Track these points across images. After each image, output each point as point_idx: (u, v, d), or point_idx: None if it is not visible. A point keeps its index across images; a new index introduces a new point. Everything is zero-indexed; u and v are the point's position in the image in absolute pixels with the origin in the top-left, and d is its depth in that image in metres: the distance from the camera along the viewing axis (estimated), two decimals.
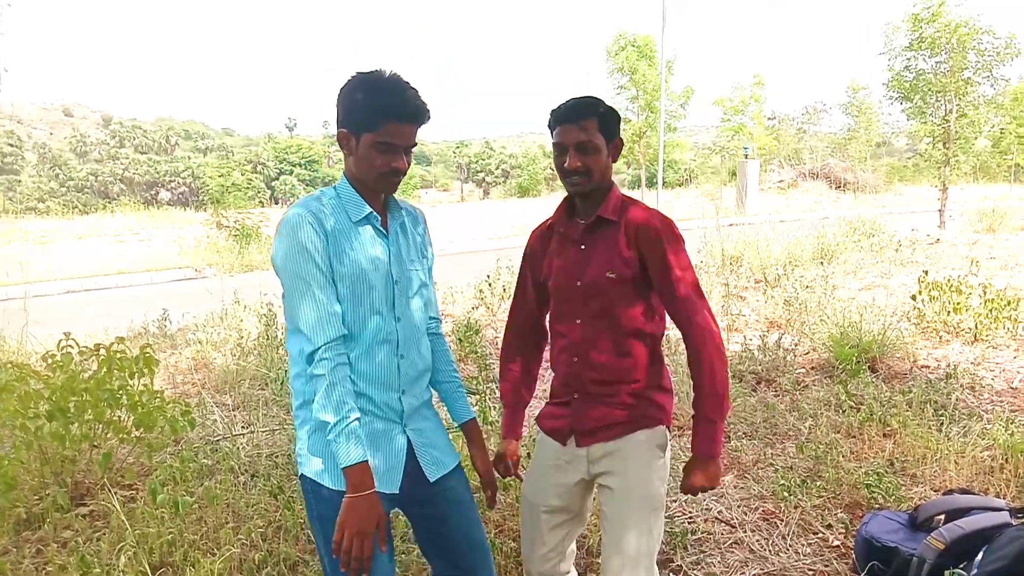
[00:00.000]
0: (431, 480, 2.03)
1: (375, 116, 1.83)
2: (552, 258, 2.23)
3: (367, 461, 1.80)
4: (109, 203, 41.51)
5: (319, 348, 1.79)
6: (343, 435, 1.77)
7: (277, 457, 4.04)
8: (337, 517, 1.79)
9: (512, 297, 2.43)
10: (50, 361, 3.84)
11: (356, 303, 1.89)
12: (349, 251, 1.87)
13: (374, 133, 1.84)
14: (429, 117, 1.91)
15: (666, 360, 2.27)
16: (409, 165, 1.94)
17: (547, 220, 2.29)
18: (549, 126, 2.12)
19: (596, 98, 2.10)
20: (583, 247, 2.13)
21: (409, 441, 2.00)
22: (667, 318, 2.17)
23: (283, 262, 1.83)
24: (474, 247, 15.29)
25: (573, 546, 2.32)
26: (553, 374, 2.27)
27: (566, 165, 2.05)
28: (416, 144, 1.94)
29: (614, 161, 2.13)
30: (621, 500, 2.06)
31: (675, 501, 3.60)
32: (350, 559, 1.78)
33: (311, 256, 1.80)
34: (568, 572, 2.30)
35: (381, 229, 1.97)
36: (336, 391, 1.78)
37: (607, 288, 2.07)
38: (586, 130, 2.03)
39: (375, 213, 1.95)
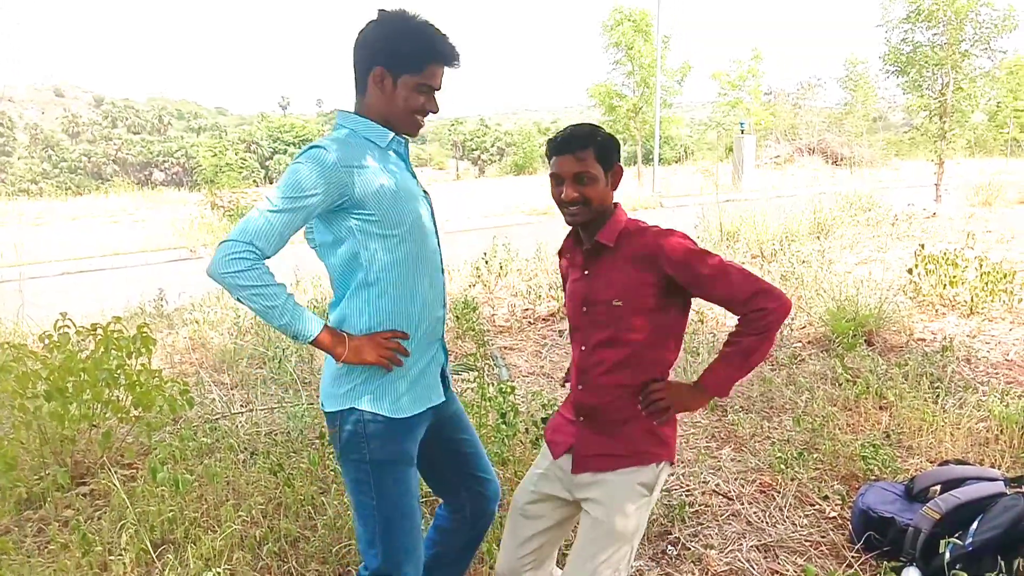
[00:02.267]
0: (446, 398, 2.15)
1: (420, 58, 1.90)
2: (567, 284, 2.22)
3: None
4: (103, 184, 41.37)
5: (253, 245, 1.74)
6: (296, 309, 1.81)
7: (276, 435, 4.06)
8: (390, 453, 1.94)
9: None
10: (47, 342, 3.84)
11: (418, 227, 1.95)
12: (393, 177, 1.92)
13: (417, 75, 1.91)
14: (461, 62, 1.99)
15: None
16: (439, 109, 2.02)
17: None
18: (546, 155, 2.07)
19: (593, 126, 2.06)
20: (587, 273, 2.09)
21: (445, 354, 2.14)
22: (681, 345, 2.13)
23: (285, 175, 1.81)
24: (470, 225, 15.25)
25: (551, 561, 2.27)
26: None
27: (563, 196, 2.01)
28: (441, 87, 2.00)
29: (614, 189, 2.07)
30: (593, 528, 2.02)
31: (672, 475, 3.62)
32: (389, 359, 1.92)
33: (306, 188, 1.77)
34: None
35: (403, 154, 2.04)
36: (265, 276, 1.76)
37: (612, 317, 2.01)
38: (583, 160, 1.98)
39: (398, 137, 2.00)
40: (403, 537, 1.97)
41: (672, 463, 2.13)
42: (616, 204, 2.10)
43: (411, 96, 1.92)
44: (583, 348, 2.10)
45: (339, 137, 1.90)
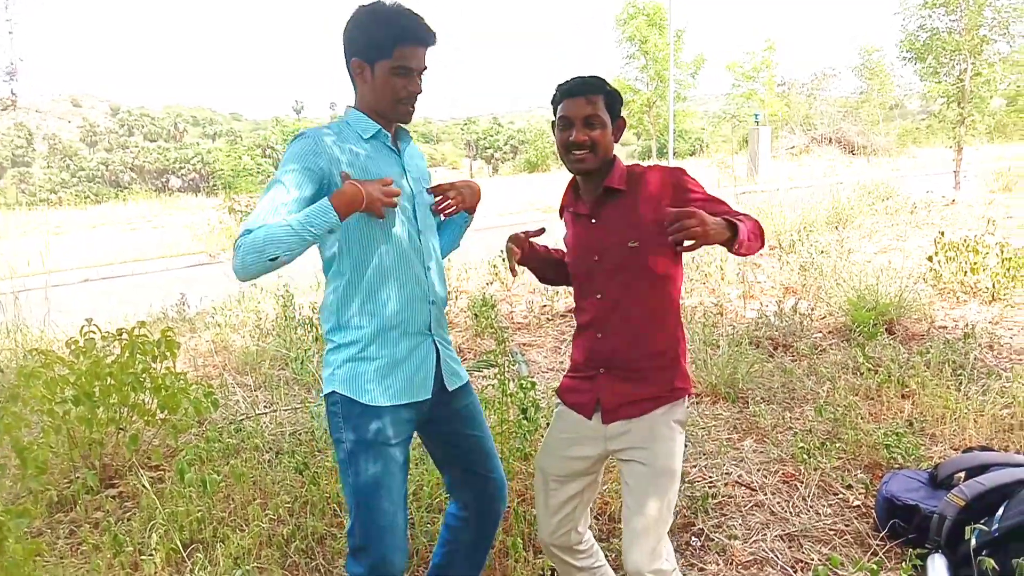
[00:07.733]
0: (449, 389, 2.12)
1: (387, 42, 1.91)
2: (568, 238, 2.22)
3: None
4: (121, 192, 41.82)
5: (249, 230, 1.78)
6: (302, 219, 1.77)
7: (300, 434, 4.10)
8: (365, 434, 1.95)
9: None
10: (74, 347, 3.89)
11: (371, 221, 1.94)
12: (362, 164, 1.94)
13: (388, 59, 1.92)
14: (436, 39, 1.98)
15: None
16: (422, 90, 2.01)
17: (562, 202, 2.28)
18: (553, 102, 2.09)
19: (601, 77, 2.10)
20: (595, 221, 2.10)
21: (437, 351, 2.09)
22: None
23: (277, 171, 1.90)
24: (485, 224, 15.23)
25: (587, 514, 2.32)
26: (573, 348, 2.25)
27: (571, 138, 2.02)
28: (427, 68, 2.01)
29: (616, 141, 2.11)
30: (646, 473, 2.04)
31: (695, 466, 3.63)
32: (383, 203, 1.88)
33: (294, 164, 1.85)
34: (581, 538, 2.29)
35: (392, 147, 2.05)
36: (256, 232, 1.76)
37: (628, 259, 2.03)
38: (593, 103, 2.02)
39: (384, 131, 2.02)
40: (379, 515, 1.96)
41: (689, 396, 2.17)
42: (615, 156, 2.12)
43: (389, 81, 1.94)
44: (599, 296, 2.10)
45: (326, 127, 1.97)
